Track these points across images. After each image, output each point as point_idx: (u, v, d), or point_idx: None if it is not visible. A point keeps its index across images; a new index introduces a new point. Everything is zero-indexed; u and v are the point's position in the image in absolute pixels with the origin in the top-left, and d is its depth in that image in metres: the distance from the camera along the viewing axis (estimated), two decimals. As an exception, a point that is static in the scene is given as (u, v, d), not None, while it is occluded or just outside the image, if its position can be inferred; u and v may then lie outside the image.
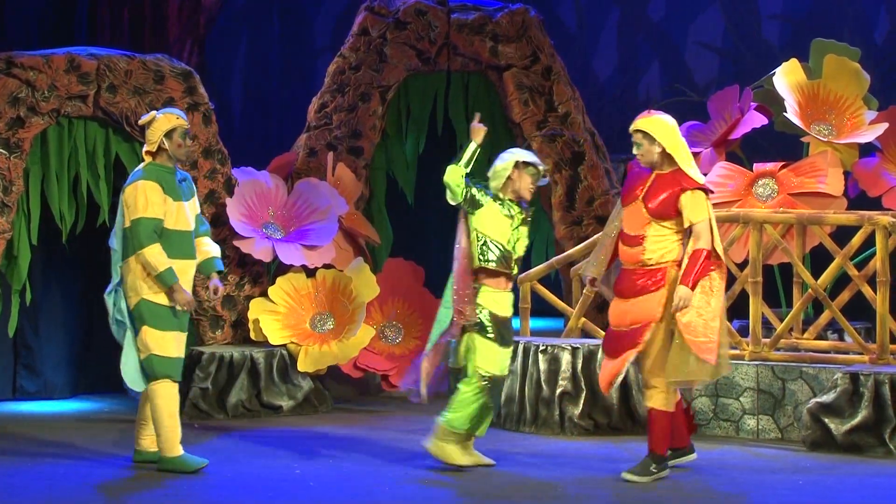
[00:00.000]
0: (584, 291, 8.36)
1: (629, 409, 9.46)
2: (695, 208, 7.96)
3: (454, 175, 8.31)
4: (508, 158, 8.41)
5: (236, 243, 10.44)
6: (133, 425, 8.55)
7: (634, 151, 8.17)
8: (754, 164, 10.29)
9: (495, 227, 8.33)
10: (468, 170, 8.35)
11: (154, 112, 8.39)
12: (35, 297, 10.34)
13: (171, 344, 8.25)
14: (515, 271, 8.44)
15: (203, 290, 10.46)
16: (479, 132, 8.41)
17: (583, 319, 9.91)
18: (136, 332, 8.25)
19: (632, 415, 9.44)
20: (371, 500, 7.56)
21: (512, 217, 8.36)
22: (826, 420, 8.87)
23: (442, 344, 8.49)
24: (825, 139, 10.23)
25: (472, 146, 8.37)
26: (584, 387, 9.43)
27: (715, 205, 9.95)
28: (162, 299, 8.20)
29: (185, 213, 8.34)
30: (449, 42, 11.35)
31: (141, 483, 8.01)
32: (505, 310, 8.37)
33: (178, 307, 8.23)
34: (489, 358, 8.31)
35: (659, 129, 8.07)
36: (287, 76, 13.78)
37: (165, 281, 8.17)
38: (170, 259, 8.21)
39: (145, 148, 8.33)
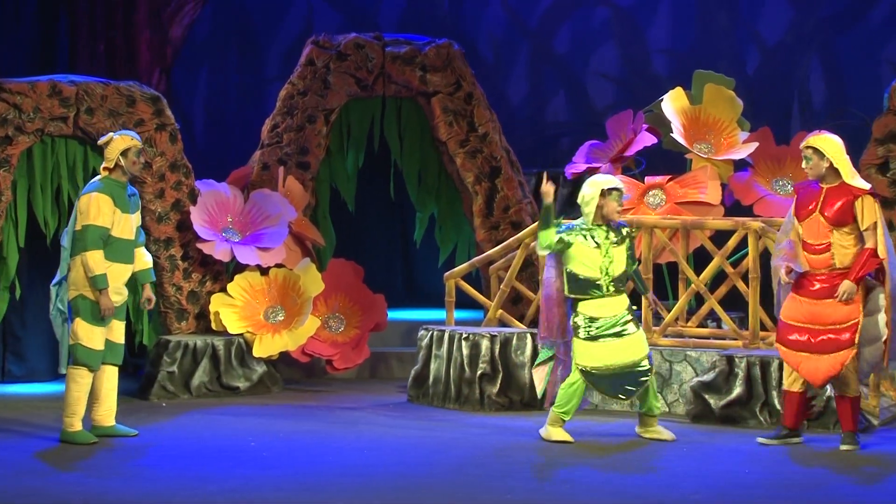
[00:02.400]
0: (783, 281, 8.02)
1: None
2: (866, 212, 7.84)
3: (545, 239, 8.04)
4: (594, 188, 8.06)
5: (199, 245, 10.37)
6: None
7: (804, 166, 7.98)
8: (646, 178, 10.22)
9: (583, 260, 8.08)
10: (551, 226, 8.02)
11: (112, 134, 8.35)
12: (22, 292, 10.23)
13: (97, 337, 8.16)
14: (612, 289, 8.10)
15: (170, 286, 10.42)
16: (549, 193, 8.01)
17: (500, 311, 9.90)
18: (71, 321, 8.18)
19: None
20: (317, 468, 7.54)
21: (599, 245, 8.08)
22: (706, 396, 8.92)
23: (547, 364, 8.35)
24: (705, 156, 10.24)
25: (545, 207, 8.02)
26: (500, 368, 9.41)
27: (611, 212, 10.24)
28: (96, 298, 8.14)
29: (130, 224, 8.29)
30: (384, 71, 11.30)
31: (114, 453, 7.94)
32: (603, 311, 8.11)
33: (102, 308, 8.11)
34: (583, 353, 8.14)
35: (828, 146, 7.91)
36: (243, 100, 13.72)
37: (97, 284, 8.10)
38: (111, 262, 8.15)
39: (103, 164, 8.29)
